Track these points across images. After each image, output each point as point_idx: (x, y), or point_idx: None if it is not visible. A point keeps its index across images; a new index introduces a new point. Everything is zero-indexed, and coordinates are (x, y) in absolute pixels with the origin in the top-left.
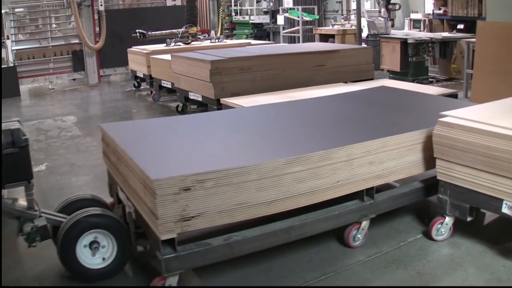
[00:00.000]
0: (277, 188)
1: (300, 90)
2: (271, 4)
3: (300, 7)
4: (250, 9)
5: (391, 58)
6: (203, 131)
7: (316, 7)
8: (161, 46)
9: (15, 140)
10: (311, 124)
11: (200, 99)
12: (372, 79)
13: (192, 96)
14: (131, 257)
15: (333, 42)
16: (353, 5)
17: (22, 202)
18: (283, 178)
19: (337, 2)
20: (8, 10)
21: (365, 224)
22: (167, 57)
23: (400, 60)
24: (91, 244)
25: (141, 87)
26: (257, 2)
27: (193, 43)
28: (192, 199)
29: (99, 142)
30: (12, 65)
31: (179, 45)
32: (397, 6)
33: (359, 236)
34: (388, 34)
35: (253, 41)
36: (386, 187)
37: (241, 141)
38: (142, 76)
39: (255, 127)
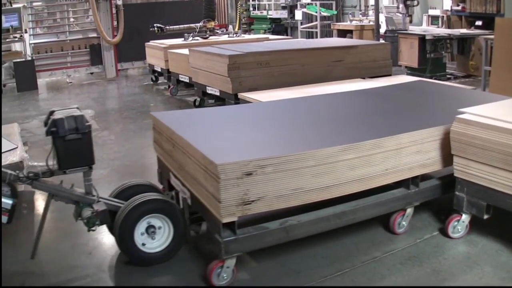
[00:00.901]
0: (331, 175)
1: (318, 85)
2: None
3: (318, 2)
4: (268, 4)
5: (409, 54)
6: (250, 121)
7: (334, 2)
8: (179, 41)
9: (78, 126)
10: (354, 116)
11: (217, 93)
12: (390, 75)
13: (209, 90)
14: (184, 242)
15: (351, 37)
16: (371, 1)
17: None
18: (337, 165)
19: None
20: (26, 4)
21: (409, 211)
22: (185, 51)
23: (418, 57)
24: (147, 228)
25: (159, 81)
26: None
27: (211, 37)
28: (253, 183)
29: (117, 136)
30: (29, 58)
31: (197, 39)
32: (415, 2)
33: (403, 223)
34: (406, 30)
35: (271, 36)
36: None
37: (292, 130)
38: (159, 70)
39: (298, 117)
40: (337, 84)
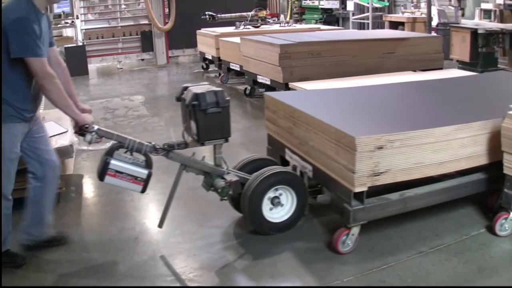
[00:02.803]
0: (446, 151)
1: (369, 77)
2: None
3: None
4: None
5: (461, 48)
6: (356, 102)
7: None
8: (231, 29)
9: (219, 100)
10: (451, 101)
11: (268, 82)
12: (441, 68)
13: (260, 79)
14: (304, 213)
15: (403, 29)
16: None
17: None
18: (451, 143)
19: None
20: None
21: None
22: (236, 39)
23: (470, 51)
24: (273, 199)
25: (209, 69)
26: None
27: (262, 26)
28: (383, 156)
29: (166, 122)
30: (81, 44)
31: (248, 28)
32: None
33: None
34: (458, 23)
35: (322, 27)
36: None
37: (401, 111)
38: (210, 58)
39: (400, 100)
40: (389, 76)
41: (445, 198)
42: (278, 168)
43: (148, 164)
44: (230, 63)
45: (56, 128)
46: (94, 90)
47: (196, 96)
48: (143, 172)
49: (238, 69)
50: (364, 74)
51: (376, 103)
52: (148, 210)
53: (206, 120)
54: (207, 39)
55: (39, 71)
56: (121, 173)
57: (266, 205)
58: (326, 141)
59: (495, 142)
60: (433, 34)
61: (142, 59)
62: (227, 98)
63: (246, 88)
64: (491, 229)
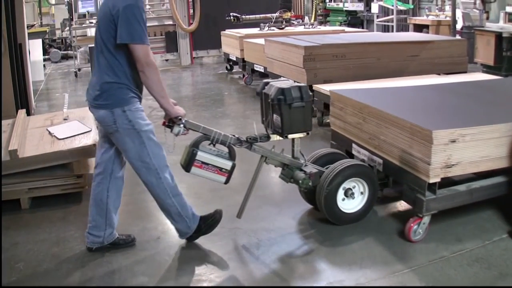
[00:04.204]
0: (507, 147)
1: (394, 79)
2: None
3: None
4: None
5: (485, 51)
6: (415, 100)
7: None
8: (255, 30)
9: (303, 95)
10: (497, 101)
11: None
12: (465, 72)
13: None
14: (374, 204)
15: (427, 32)
16: None
17: None
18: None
19: None
20: None
21: None
22: (261, 41)
23: (495, 54)
24: (346, 190)
25: (233, 70)
26: None
27: (286, 28)
28: (455, 150)
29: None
30: None
31: (273, 29)
32: None
33: None
34: (483, 26)
35: (346, 29)
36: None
37: (461, 108)
38: (234, 59)
39: (448, 99)
40: (413, 79)
41: (503, 191)
42: (352, 161)
43: (231, 156)
44: (254, 65)
45: (80, 127)
46: None
47: (282, 91)
48: (227, 163)
49: (262, 70)
50: (388, 77)
51: (430, 102)
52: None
53: (291, 114)
54: (232, 40)
55: (143, 58)
56: (207, 164)
57: (340, 196)
58: (399, 135)
59: None
60: (458, 37)
61: (167, 60)
62: (310, 93)
63: None
64: None
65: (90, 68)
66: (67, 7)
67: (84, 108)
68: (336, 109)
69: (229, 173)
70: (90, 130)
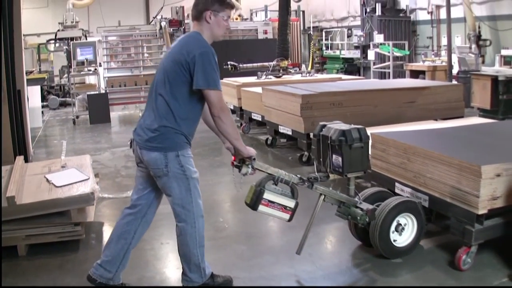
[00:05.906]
0: None
1: (392, 126)
2: (362, 39)
3: (391, 42)
4: (341, 44)
5: (482, 95)
6: (448, 139)
7: (406, 43)
8: (252, 79)
9: (362, 136)
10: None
11: (290, 133)
12: (462, 116)
13: (282, 129)
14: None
15: (424, 78)
16: (444, 41)
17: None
18: None
19: (427, 37)
20: (101, 39)
21: None
22: (258, 89)
23: (491, 98)
24: (396, 226)
25: None
26: (348, 37)
27: (284, 76)
28: (499, 183)
29: None
30: (103, 91)
31: (270, 78)
32: (488, 42)
33: None
34: (479, 70)
35: (344, 76)
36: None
37: (492, 145)
38: (232, 107)
39: (475, 138)
40: (411, 125)
41: None
42: (402, 198)
43: (294, 195)
44: (252, 113)
45: (78, 175)
46: (116, 138)
47: (343, 133)
48: (291, 202)
49: (260, 119)
50: (385, 124)
51: (467, 140)
52: (168, 259)
53: (351, 154)
54: (229, 89)
55: (218, 103)
56: (273, 202)
57: (392, 232)
58: (446, 171)
59: None
60: (454, 82)
61: None
62: (368, 134)
63: (267, 138)
64: None
65: (88, 115)
66: (65, 54)
67: (81, 156)
68: (377, 151)
69: (293, 211)
70: (88, 178)
